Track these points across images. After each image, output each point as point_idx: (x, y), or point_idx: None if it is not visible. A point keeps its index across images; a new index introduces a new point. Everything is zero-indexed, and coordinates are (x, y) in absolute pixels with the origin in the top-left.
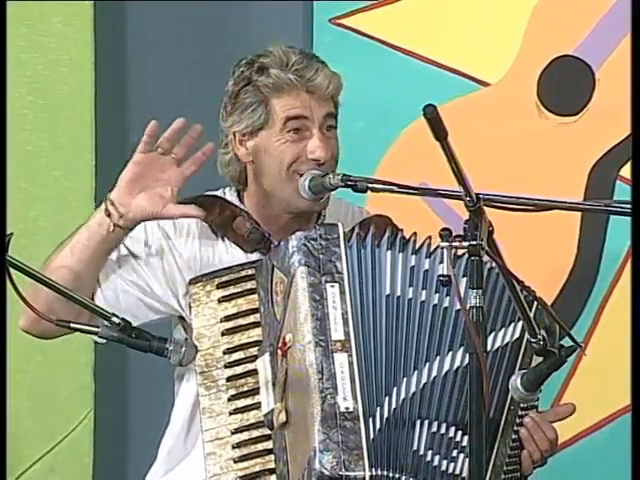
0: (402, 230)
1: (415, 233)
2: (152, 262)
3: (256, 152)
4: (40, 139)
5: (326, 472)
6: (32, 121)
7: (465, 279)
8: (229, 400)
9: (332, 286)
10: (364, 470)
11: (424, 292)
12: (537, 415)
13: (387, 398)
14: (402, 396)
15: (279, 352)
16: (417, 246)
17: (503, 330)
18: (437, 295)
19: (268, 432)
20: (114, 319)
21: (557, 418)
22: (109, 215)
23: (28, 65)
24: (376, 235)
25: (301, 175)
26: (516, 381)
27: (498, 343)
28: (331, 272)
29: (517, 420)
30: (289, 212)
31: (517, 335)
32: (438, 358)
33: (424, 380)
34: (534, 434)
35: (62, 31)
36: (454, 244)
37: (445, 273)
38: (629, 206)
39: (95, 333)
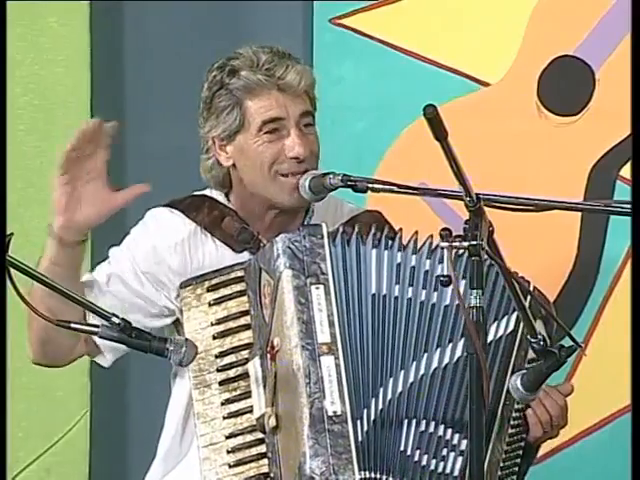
0: (390, 226)
1: (401, 229)
2: (144, 278)
3: (236, 156)
4: (36, 139)
5: (316, 477)
6: (28, 121)
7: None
8: (222, 404)
9: (317, 288)
10: (353, 474)
11: (410, 289)
12: (545, 386)
13: (374, 399)
14: (389, 396)
15: (268, 355)
16: (404, 243)
17: (496, 323)
18: (424, 292)
19: (261, 436)
20: (114, 319)
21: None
22: (64, 241)
23: (24, 65)
24: (362, 233)
25: (283, 175)
26: (516, 381)
27: (491, 337)
28: (316, 274)
29: (513, 415)
30: (275, 209)
31: (511, 328)
32: (426, 355)
33: (411, 379)
34: (544, 400)
35: (58, 31)
36: (454, 244)
37: (445, 273)
38: (629, 206)
39: (95, 333)
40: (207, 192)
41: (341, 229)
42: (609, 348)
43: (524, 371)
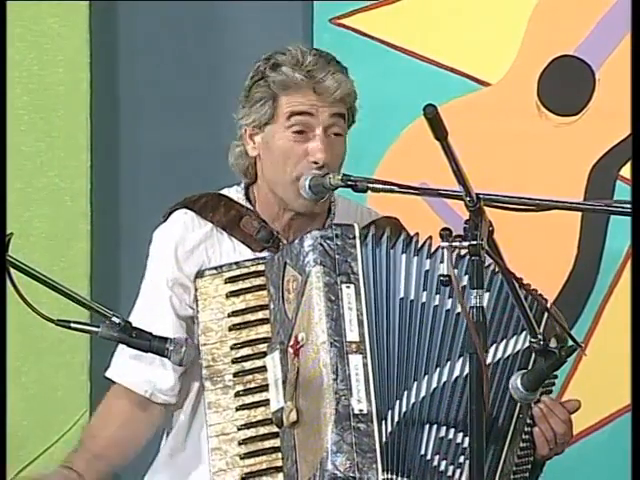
0: (417, 233)
1: (430, 237)
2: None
3: (262, 148)
4: (35, 140)
5: (339, 474)
6: (27, 122)
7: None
8: (236, 396)
9: (348, 287)
10: (377, 473)
11: (437, 296)
12: (549, 400)
13: (398, 401)
14: (412, 400)
15: (290, 350)
16: (431, 250)
17: (514, 338)
18: (450, 300)
19: (275, 430)
20: (114, 319)
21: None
22: None
23: (23, 66)
24: (391, 237)
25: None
26: (516, 381)
27: (509, 351)
28: (347, 273)
29: (525, 429)
30: (289, 211)
31: (528, 344)
32: (449, 363)
33: (434, 385)
34: (549, 418)
35: (57, 32)
36: (454, 244)
37: (445, 273)
38: (629, 206)
39: (96, 333)
40: (224, 191)
41: (372, 230)
42: (609, 348)
43: (524, 371)
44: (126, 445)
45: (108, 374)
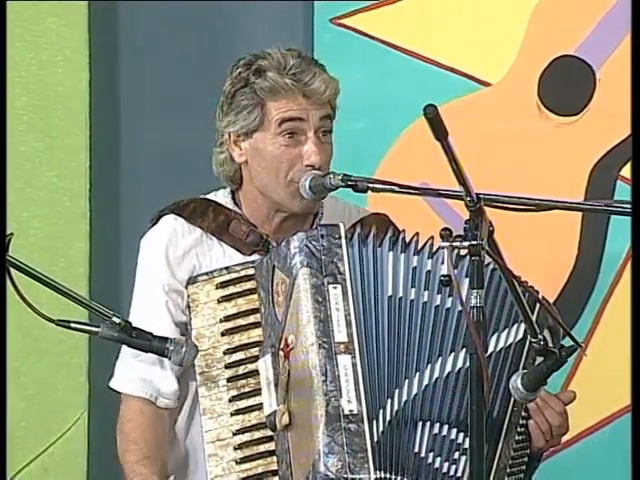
0: (404, 230)
1: (417, 233)
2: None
3: (250, 154)
4: (34, 140)
5: (331, 475)
6: (26, 122)
7: (467, 279)
8: (230, 401)
9: (334, 287)
10: (369, 473)
11: (426, 293)
12: (544, 392)
13: (389, 400)
14: (404, 398)
15: (281, 353)
16: (419, 247)
17: (506, 331)
18: (439, 296)
19: (270, 433)
20: (114, 319)
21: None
22: None
23: (22, 66)
24: (378, 235)
25: (297, 182)
26: (516, 381)
27: (501, 344)
28: (333, 273)
29: (520, 421)
30: (283, 212)
31: (520, 336)
32: (440, 359)
33: (426, 382)
34: (544, 410)
35: (56, 32)
36: (455, 244)
37: (445, 273)
38: (629, 206)
39: (96, 333)
40: (211, 196)
41: (358, 230)
42: (609, 348)
43: (524, 371)
44: (160, 438)
45: (112, 385)
